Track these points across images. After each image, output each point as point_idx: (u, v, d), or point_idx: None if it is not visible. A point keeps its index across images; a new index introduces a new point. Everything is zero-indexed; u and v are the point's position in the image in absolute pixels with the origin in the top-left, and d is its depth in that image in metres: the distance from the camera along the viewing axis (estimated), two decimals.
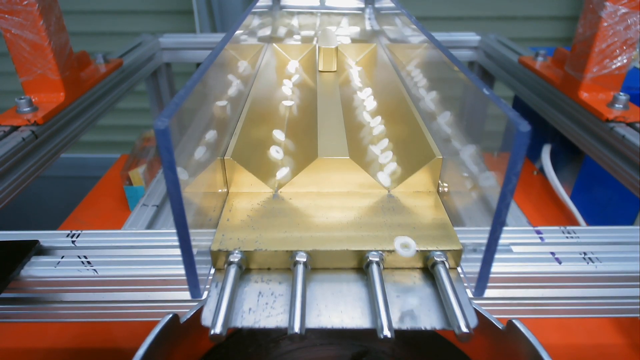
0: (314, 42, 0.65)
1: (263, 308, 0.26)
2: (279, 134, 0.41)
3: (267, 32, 0.67)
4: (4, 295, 0.35)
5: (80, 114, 0.62)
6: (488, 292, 0.35)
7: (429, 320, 0.26)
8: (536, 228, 0.38)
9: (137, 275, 0.34)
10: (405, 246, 0.28)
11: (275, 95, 0.50)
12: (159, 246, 0.36)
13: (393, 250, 0.28)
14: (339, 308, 0.26)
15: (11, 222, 1.56)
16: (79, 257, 0.35)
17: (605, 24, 0.53)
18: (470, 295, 0.26)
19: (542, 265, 0.34)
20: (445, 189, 0.34)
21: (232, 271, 0.27)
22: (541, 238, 0.37)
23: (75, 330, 0.52)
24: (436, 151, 0.34)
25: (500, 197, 0.22)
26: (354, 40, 0.75)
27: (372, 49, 0.64)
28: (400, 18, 0.53)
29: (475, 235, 0.26)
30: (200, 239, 0.26)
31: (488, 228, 0.23)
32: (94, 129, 0.71)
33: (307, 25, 0.81)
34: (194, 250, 0.24)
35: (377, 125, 0.43)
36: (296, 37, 0.75)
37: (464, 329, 0.23)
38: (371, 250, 0.28)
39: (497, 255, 0.26)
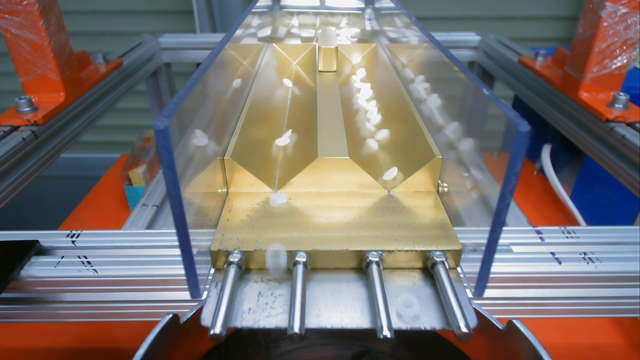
0: (314, 42, 0.65)
1: (263, 308, 0.26)
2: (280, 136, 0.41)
3: (267, 32, 0.67)
4: (4, 295, 0.35)
5: (80, 114, 0.62)
6: (488, 292, 0.35)
7: (429, 320, 0.26)
8: (536, 228, 0.38)
9: (137, 275, 0.34)
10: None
11: (275, 95, 0.50)
12: (159, 246, 0.36)
13: (393, 251, 0.28)
14: (338, 308, 0.26)
15: (11, 222, 1.56)
16: (79, 257, 0.35)
17: (605, 24, 0.53)
18: (470, 295, 0.26)
19: (542, 265, 0.34)
20: (445, 189, 0.34)
21: (232, 271, 0.27)
22: (541, 238, 0.37)
23: (75, 330, 0.52)
24: (436, 151, 0.34)
25: (500, 197, 0.22)
26: (354, 40, 0.75)
27: (372, 49, 0.64)
28: (400, 18, 0.53)
29: (475, 235, 0.26)
30: (200, 239, 0.26)
31: (488, 228, 0.23)
32: (94, 129, 0.71)
33: (307, 25, 0.81)
34: (194, 250, 0.24)
35: (377, 125, 0.43)
36: (296, 37, 0.75)
37: (464, 329, 0.23)
38: (371, 250, 0.28)
39: (497, 255, 0.26)
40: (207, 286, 0.27)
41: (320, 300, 0.27)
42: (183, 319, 0.30)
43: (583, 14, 0.56)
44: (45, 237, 0.37)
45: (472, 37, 0.93)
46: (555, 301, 0.36)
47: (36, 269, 0.34)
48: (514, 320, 0.27)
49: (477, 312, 0.28)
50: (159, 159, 0.79)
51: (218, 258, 0.28)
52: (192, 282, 0.24)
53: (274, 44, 0.63)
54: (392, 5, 0.60)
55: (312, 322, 0.25)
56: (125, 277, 0.34)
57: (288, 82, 0.53)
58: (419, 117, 0.40)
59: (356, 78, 0.56)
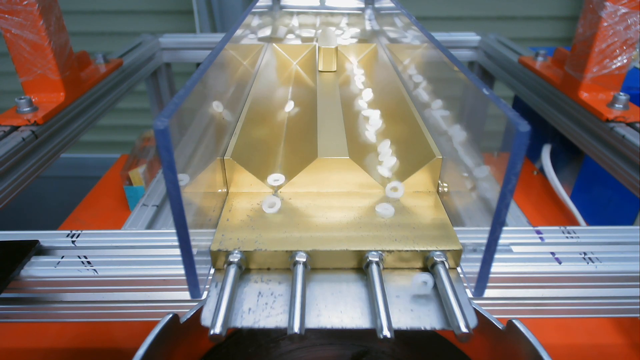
0: (314, 42, 0.65)
1: (263, 308, 0.26)
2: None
3: (267, 32, 0.67)
4: (4, 295, 0.35)
5: (80, 114, 0.62)
6: (488, 292, 0.35)
7: (429, 320, 0.26)
8: (536, 228, 0.38)
9: (137, 275, 0.34)
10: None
11: (275, 96, 0.50)
12: (159, 246, 0.36)
13: (393, 251, 0.28)
14: (338, 308, 0.26)
15: (11, 222, 1.56)
16: (79, 257, 0.35)
17: (605, 24, 0.53)
18: (470, 295, 0.26)
19: (542, 265, 0.34)
20: (445, 189, 0.34)
21: (232, 271, 0.27)
22: (541, 238, 0.37)
23: (75, 330, 0.52)
24: (436, 151, 0.34)
25: (500, 197, 0.22)
26: (353, 41, 0.75)
27: (372, 49, 0.64)
28: (400, 18, 0.53)
29: (475, 235, 0.26)
30: (200, 239, 0.26)
31: (488, 228, 0.23)
32: (94, 129, 0.71)
33: (307, 25, 0.81)
34: (194, 250, 0.24)
35: (377, 125, 0.43)
36: (296, 37, 0.75)
37: (464, 329, 0.23)
38: (371, 250, 0.28)
39: (497, 255, 0.26)
40: (207, 286, 0.27)
41: (320, 300, 0.27)
42: (183, 319, 0.30)
43: (583, 14, 0.56)
44: (45, 237, 0.37)
45: (472, 37, 0.93)
46: (555, 301, 0.36)
47: (36, 269, 0.34)
48: (514, 320, 0.27)
49: (477, 312, 0.28)
50: (159, 159, 0.79)
51: (218, 258, 0.28)
52: (192, 282, 0.24)
53: (274, 44, 0.63)
54: (392, 5, 0.60)
55: (312, 322, 0.25)
56: (125, 277, 0.34)
57: (287, 82, 0.53)
58: (419, 117, 0.40)
59: (356, 78, 0.56)
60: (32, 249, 0.35)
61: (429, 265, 0.28)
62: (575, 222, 0.73)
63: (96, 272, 0.34)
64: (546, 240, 0.37)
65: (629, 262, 0.34)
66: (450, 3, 1.39)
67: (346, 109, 0.44)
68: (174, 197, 0.21)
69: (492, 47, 0.86)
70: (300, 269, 0.27)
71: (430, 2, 1.39)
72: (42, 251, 0.36)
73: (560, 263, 0.34)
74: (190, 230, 0.23)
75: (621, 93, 0.55)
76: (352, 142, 0.37)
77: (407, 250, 0.28)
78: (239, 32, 0.41)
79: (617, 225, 0.38)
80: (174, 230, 0.23)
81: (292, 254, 0.28)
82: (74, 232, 0.37)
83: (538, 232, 0.37)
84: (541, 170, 0.82)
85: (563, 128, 0.64)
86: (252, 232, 0.30)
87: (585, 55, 0.56)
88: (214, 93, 0.32)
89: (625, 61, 0.55)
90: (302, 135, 0.40)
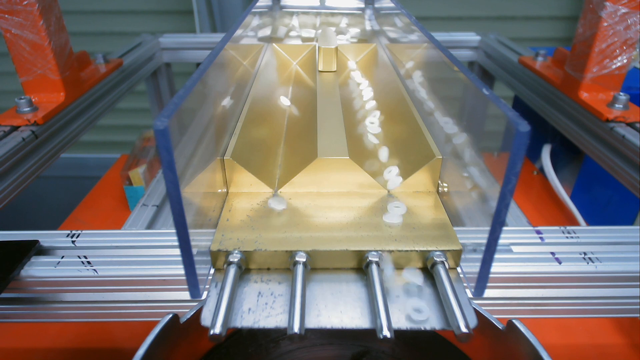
0: (314, 42, 0.65)
1: (262, 308, 0.26)
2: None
3: (267, 32, 0.67)
4: (4, 295, 0.35)
5: (80, 114, 0.62)
6: (488, 292, 0.35)
7: (428, 320, 0.26)
8: (536, 228, 0.38)
9: (137, 275, 0.34)
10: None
11: (275, 96, 0.50)
12: (159, 246, 0.36)
13: (393, 251, 0.28)
14: (338, 308, 0.26)
15: (11, 222, 1.56)
16: (79, 257, 0.35)
17: (605, 24, 0.53)
18: (470, 295, 0.26)
19: (542, 265, 0.34)
20: (445, 189, 0.34)
21: (232, 271, 0.27)
22: (541, 238, 0.37)
23: (75, 330, 0.52)
24: (436, 151, 0.34)
25: (500, 197, 0.22)
26: (353, 41, 0.75)
27: (372, 49, 0.64)
28: (400, 18, 0.53)
29: (475, 235, 0.26)
30: (200, 239, 0.26)
31: (488, 228, 0.23)
32: (94, 129, 0.71)
33: (307, 25, 0.81)
34: (194, 251, 0.24)
35: (377, 125, 0.43)
36: (296, 37, 0.75)
37: (464, 329, 0.23)
38: (371, 251, 0.28)
39: (497, 255, 0.26)
40: (207, 286, 0.27)
41: (320, 300, 0.27)
42: (183, 319, 0.30)
43: (583, 14, 0.56)
44: (45, 237, 0.37)
45: (472, 37, 0.93)
46: (555, 301, 0.36)
47: (36, 269, 0.34)
48: (514, 320, 0.27)
49: (477, 312, 0.28)
50: (159, 159, 0.79)
51: (218, 258, 0.28)
52: (192, 282, 0.24)
53: (274, 44, 0.63)
54: (392, 5, 0.60)
55: (312, 322, 0.25)
56: (125, 277, 0.34)
57: (287, 82, 0.53)
58: (419, 117, 0.40)
59: (356, 78, 0.56)
60: (32, 249, 0.35)
61: (429, 265, 0.28)
62: (575, 222, 0.73)
63: (96, 272, 0.34)
64: (546, 240, 0.37)
65: (629, 262, 0.34)
66: (450, 3, 1.39)
67: (346, 109, 0.44)
68: (174, 197, 0.21)
69: (492, 47, 0.86)
70: (300, 269, 0.27)
71: (430, 2, 1.39)
72: (42, 251, 0.36)
73: (560, 263, 0.34)
74: (190, 231, 0.23)
75: (621, 93, 0.55)
76: (352, 142, 0.37)
77: (407, 250, 0.28)
78: (239, 32, 0.41)
79: (617, 225, 0.38)
80: (174, 230, 0.23)
81: (292, 254, 0.28)
82: (74, 232, 0.37)
83: (538, 232, 0.37)
84: (541, 170, 0.82)
85: (563, 128, 0.64)
86: (252, 232, 0.30)
87: (585, 55, 0.56)
88: (214, 93, 0.32)
89: (625, 61, 0.55)
90: (302, 135, 0.40)
